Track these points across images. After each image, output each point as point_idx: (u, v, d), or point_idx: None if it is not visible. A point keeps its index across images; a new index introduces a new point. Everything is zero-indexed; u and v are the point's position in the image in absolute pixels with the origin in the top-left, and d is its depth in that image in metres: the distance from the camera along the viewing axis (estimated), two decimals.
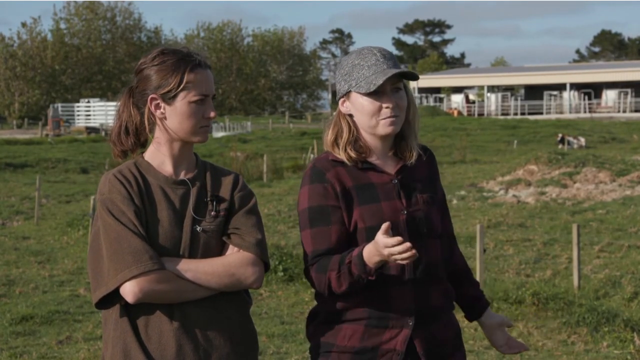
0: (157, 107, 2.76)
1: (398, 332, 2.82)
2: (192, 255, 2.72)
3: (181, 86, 2.72)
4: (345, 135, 2.90)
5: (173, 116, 2.75)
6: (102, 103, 56.28)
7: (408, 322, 2.82)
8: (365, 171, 2.89)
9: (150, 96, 2.75)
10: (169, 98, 2.74)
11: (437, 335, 2.88)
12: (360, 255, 2.68)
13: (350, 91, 2.88)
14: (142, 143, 2.83)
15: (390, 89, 2.85)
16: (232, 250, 2.76)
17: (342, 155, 2.88)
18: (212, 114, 2.77)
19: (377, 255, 2.63)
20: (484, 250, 9.35)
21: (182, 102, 2.73)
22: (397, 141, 2.94)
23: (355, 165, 2.88)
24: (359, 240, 2.82)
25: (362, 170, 2.89)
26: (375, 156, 2.92)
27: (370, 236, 2.75)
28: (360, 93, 2.85)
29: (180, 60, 2.74)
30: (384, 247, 2.59)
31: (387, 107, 2.84)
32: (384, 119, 2.85)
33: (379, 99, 2.84)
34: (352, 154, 2.87)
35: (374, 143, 2.91)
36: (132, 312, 2.69)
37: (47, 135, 43.00)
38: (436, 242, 2.91)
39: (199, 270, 2.69)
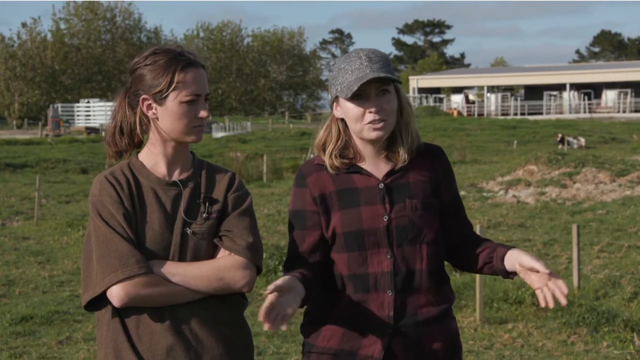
0: (149, 107, 2.73)
1: (376, 339, 2.78)
2: (182, 258, 2.69)
3: (172, 86, 2.68)
4: (333, 141, 2.86)
5: (165, 116, 2.71)
6: (102, 103, 56.22)
7: (387, 330, 2.78)
8: (351, 175, 2.84)
9: (142, 97, 2.72)
10: (160, 98, 2.70)
11: (421, 344, 2.81)
12: None
13: (337, 96, 2.84)
14: (136, 144, 2.80)
15: (375, 93, 2.78)
16: (223, 252, 2.72)
17: (326, 162, 2.85)
18: (204, 114, 2.72)
19: None
20: None
21: (173, 102, 2.70)
22: (389, 144, 2.87)
23: (338, 170, 2.84)
24: (338, 245, 2.82)
25: (347, 174, 2.84)
26: (366, 160, 2.86)
27: (348, 241, 2.78)
28: (343, 98, 2.81)
29: (172, 59, 2.70)
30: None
31: (370, 112, 2.78)
32: (368, 123, 2.79)
33: (362, 103, 2.78)
34: (336, 163, 2.83)
35: (364, 147, 2.86)
36: (124, 313, 2.68)
37: (47, 135, 42.93)
38: (423, 250, 2.81)
39: (187, 274, 2.66)
